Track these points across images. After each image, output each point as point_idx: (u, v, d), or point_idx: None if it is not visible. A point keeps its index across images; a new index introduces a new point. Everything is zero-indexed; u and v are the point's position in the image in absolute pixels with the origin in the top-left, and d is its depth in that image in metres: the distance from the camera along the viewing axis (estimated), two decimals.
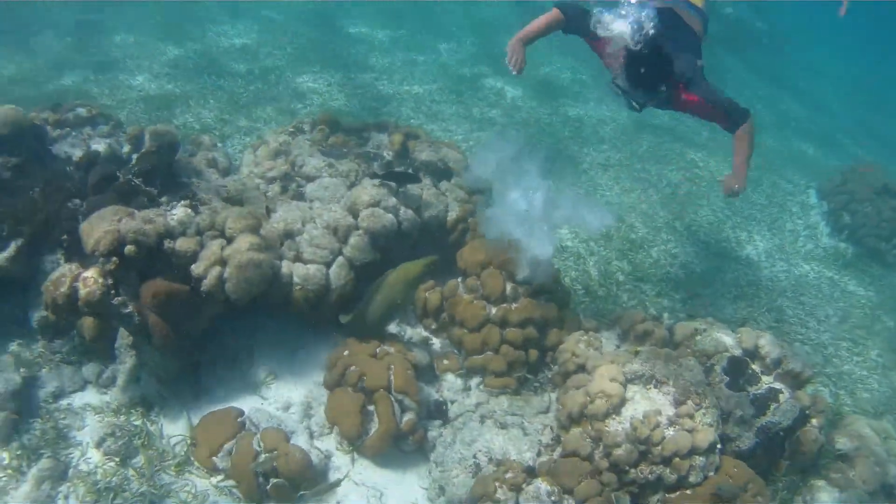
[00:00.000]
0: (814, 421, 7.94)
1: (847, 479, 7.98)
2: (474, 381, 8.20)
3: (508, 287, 8.42)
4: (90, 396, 7.72)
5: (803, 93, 25.27)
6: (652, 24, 7.85)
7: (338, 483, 6.99)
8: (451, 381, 8.17)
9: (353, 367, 7.44)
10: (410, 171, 9.56)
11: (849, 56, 33.05)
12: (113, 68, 15.72)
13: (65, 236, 7.91)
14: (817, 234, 14.56)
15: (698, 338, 8.35)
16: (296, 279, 7.90)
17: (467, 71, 18.97)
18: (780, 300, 11.93)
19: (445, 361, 8.25)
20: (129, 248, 7.28)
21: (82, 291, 7.30)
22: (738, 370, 7.91)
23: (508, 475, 6.87)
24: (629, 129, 17.02)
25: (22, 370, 7.59)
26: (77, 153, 9.25)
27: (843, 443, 8.31)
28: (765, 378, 8.03)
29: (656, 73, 7.99)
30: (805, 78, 27.24)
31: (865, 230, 14.29)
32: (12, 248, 8.01)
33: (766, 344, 8.24)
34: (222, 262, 7.52)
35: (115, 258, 7.32)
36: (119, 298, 7.35)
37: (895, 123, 25.17)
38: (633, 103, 8.41)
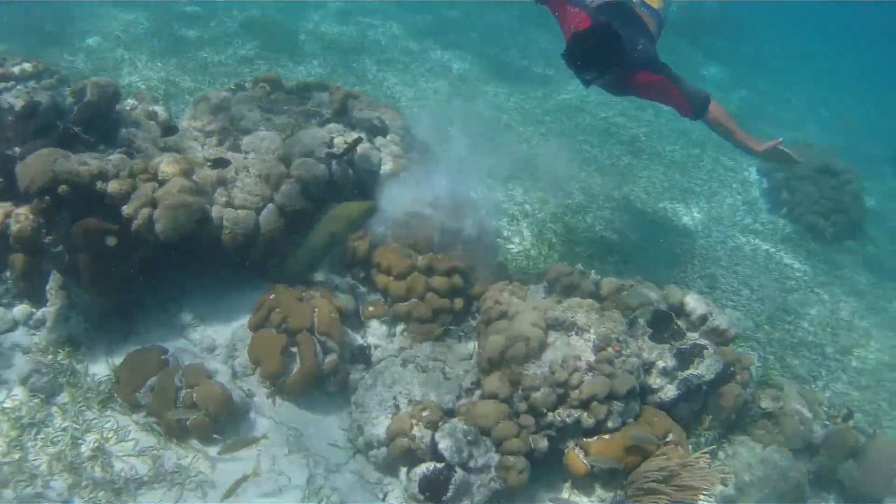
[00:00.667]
0: (738, 377, 8.07)
1: (770, 436, 8.16)
2: (399, 327, 8.26)
3: (437, 235, 8.54)
4: (19, 337, 7.74)
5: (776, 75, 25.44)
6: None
7: (255, 440, 7.03)
8: (375, 327, 8.23)
9: (277, 309, 7.49)
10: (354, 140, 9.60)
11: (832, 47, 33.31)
12: (64, 31, 15.72)
13: (1, 179, 7.94)
14: (756, 209, 14.74)
15: (624, 293, 8.43)
16: (225, 223, 7.95)
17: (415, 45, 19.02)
18: (714, 268, 12.10)
19: (371, 308, 8.31)
20: (62, 188, 7.36)
21: (14, 227, 7.38)
22: (661, 323, 8.05)
23: (425, 413, 6.94)
24: (574, 105, 17.13)
25: None
26: (19, 103, 9.28)
27: (768, 403, 8.46)
28: (690, 335, 8.14)
29: (606, 53, 8.03)
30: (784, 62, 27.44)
31: (804, 207, 14.50)
32: None
33: (692, 301, 8.39)
34: (153, 204, 7.57)
35: (47, 197, 7.38)
36: (50, 237, 7.42)
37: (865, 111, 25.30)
38: (584, 78, 8.40)
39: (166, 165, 7.88)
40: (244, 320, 7.99)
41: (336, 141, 9.09)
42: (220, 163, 8.48)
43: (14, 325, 7.84)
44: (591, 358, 7.20)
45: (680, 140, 16.54)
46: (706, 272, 11.90)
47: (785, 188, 14.92)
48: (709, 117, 8.44)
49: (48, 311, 7.78)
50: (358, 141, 9.10)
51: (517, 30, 21.93)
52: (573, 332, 7.46)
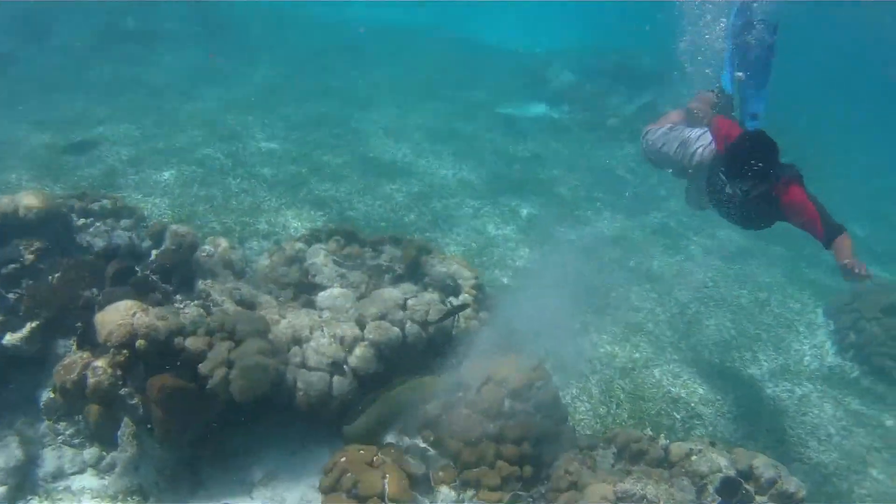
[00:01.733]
0: None
1: None
2: (468, 493, 8.28)
3: (507, 403, 8.58)
4: (89, 480, 7.98)
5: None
6: None
7: None
8: (445, 493, 8.25)
9: (348, 474, 7.56)
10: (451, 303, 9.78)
11: None
12: (142, 163, 16.22)
13: (79, 323, 8.20)
14: (823, 353, 14.56)
15: (693, 458, 8.46)
16: (300, 385, 8.12)
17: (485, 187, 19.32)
18: (781, 420, 11.97)
19: (441, 473, 8.36)
20: (140, 343, 7.57)
21: (91, 380, 7.59)
22: (730, 490, 8.02)
23: None
24: (641, 244, 17.24)
25: (25, 447, 7.84)
26: (99, 244, 9.57)
27: None
28: (759, 498, 8.13)
29: (764, 158, 8.03)
30: None
31: (871, 348, 14.28)
32: (27, 328, 8.39)
33: (761, 465, 8.37)
34: (229, 364, 7.74)
35: (125, 350, 7.59)
36: (126, 389, 7.63)
37: None
38: (732, 197, 8.43)
39: (243, 325, 8.08)
40: (314, 479, 8.05)
41: (410, 303, 9.25)
42: None
43: (84, 468, 8.07)
44: None
45: (747, 284, 16.50)
46: (774, 425, 11.78)
47: (852, 329, 14.77)
48: (835, 246, 8.15)
49: (119, 457, 7.96)
50: (462, 308, 9.26)
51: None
52: None
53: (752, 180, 8.07)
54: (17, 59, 23.06)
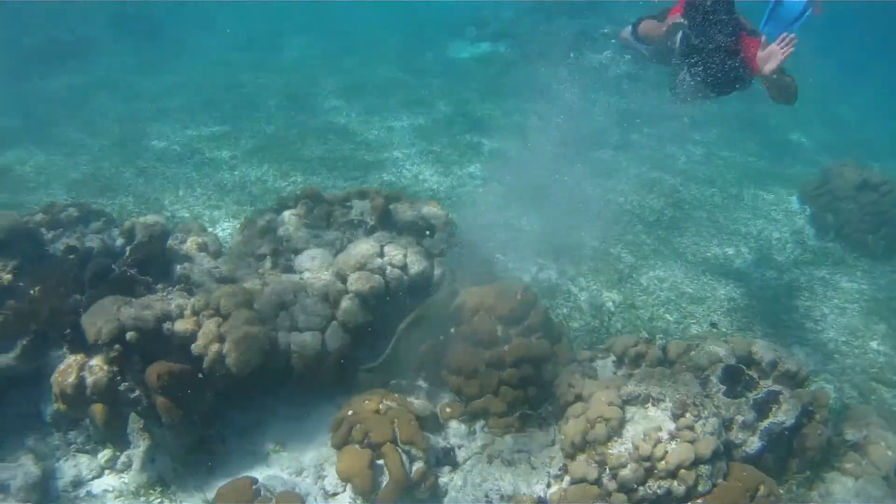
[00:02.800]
0: (817, 416, 8.08)
1: (860, 467, 8.07)
2: (478, 424, 8.33)
3: (499, 329, 8.61)
4: (108, 481, 7.95)
5: None
6: None
7: None
8: (455, 428, 8.30)
9: (358, 425, 7.57)
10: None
11: None
12: (101, 166, 16.11)
13: (68, 330, 8.15)
14: (804, 238, 14.72)
15: (692, 353, 8.51)
16: (293, 347, 8.12)
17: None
18: (774, 307, 12.07)
19: (448, 409, 8.40)
20: (130, 335, 7.56)
21: (89, 379, 7.59)
22: (733, 378, 8.07)
23: None
24: (611, 164, 17.26)
25: (40, 463, 7.81)
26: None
27: (852, 433, 8.41)
28: (763, 382, 8.17)
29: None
30: None
31: (851, 227, 14.46)
32: (18, 346, 8.30)
33: (759, 349, 8.40)
34: (220, 339, 7.75)
35: (117, 345, 7.58)
36: (126, 384, 7.63)
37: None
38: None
39: (227, 299, 8.06)
40: (325, 438, 8.08)
41: (386, 250, 9.25)
42: None
43: (101, 471, 8.04)
44: (672, 426, 7.23)
45: (717, 181, 16.60)
46: (767, 313, 11.86)
47: (829, 211, 14.87)
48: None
49: (133, 453, 7.95)
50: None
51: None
52: (649, 404, 7.50)
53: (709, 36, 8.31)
54: None
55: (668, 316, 11.39)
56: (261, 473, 7.84)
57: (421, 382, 8.89)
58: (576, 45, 24.43)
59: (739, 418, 7.71)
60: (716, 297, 12.07)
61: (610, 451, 7.18)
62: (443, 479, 7.77)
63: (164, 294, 8.55)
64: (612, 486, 7.08)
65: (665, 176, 16.72)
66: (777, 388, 8.06)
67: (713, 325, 11.14)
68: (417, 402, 8.22)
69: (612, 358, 8.82)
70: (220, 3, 34.16)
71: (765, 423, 7.79)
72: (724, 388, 7.96)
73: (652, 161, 17.56)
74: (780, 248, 14.22)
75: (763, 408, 7.86)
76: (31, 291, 8.62)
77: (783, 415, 7.79)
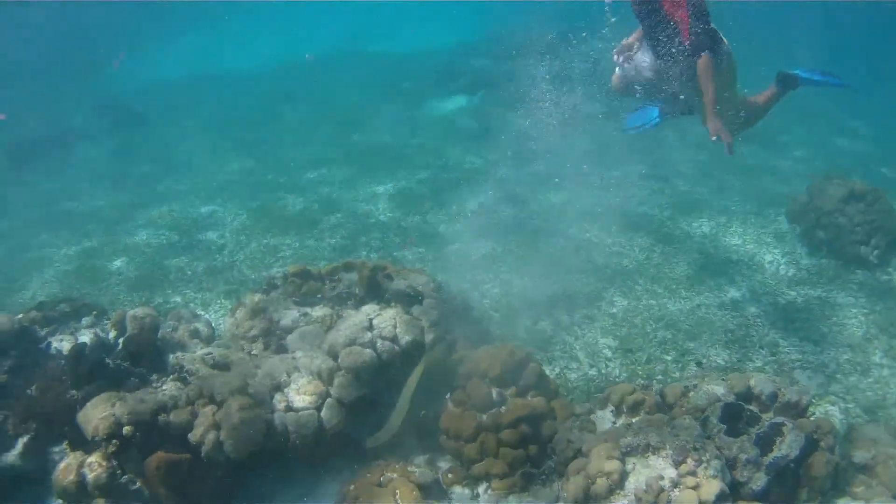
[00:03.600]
0: (822, 443, 8.05)
1: (870, 490, 8.03)
2: (481, 487, 8.33)
3: (494, 392, 8.66)
4: None
5: None
6: None
7: None
8: (459, 493, 8.30)
9: (359, 500, 7.59)
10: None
11: None
12: (91, 256, 16.22)
13: (66, 427, 8.22)
14: (796, 257, 14.64)
15: (690, 394, 8.51)
16: (290, 427, 8.17)
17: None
18: (771, 333, 12.02)
19: (450, 475, 8.41)
20: (126, 429, 7.70)
21: (90, 476, 7.72)
22: (734, 415, 8.06)
23: None
24: (595, 204, 17.29)
25: None
26: (67, 347, 9.61)
27: (860, 455, 8.38)
28: (765, 416, 8.17)
29: None
30: None
31: (842, 240, 14.38)
32: (20, 445, 8.45)
33: (758, 383, 8.43)
34: (217, 426, 7.85)
35: (115, 440, 7.67)
36: (125, 476, 7.69)
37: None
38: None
39: (221, 386, 8.24)
40: None
41: (375, 322, 9.30)
42: None
43: None
44: (673, 473, 7.23)
45: (705, 211, 16.62)
46: (765, 340, 11.83)
47: (818, 227, 14.83)
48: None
49: None
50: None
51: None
52: (650, 453, 7.49)
53: None
54: None
55: (665, 356, 11.36)
56: None
57: (421, 453, 8.91)
58: (552, 88, 24.68)
59: (743, 456, 7.67)
60: (713, 331, 12.04)
61: None
62: None
63: (159, 385, 8.62)
64: None
65: (652, 211, 16.73)
66: (779, 419, 8.03)
67: (698, 363, 11.12)
68: (418, 471, 8.23)
69: (611, 408, 8.80)
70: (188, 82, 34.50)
71: (769, 458, 7.74)
72: (724, 427, 7.93)
73: (638, 198, 17.57)
74: (774, 270, 14.16)
75: (767, 442, 7.82)
76: (29, 390, 8.71)
77: (787, 447, 7.76)
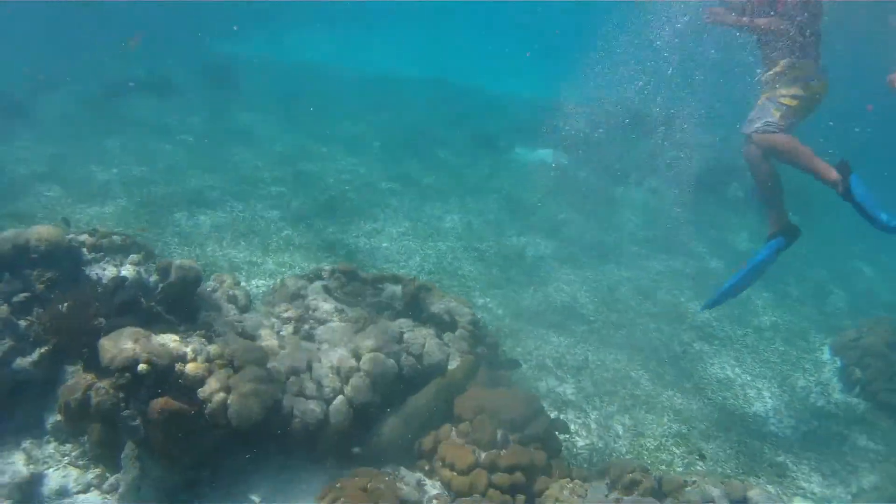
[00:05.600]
0: None
1: None
2: None
3: (499, 434, 8.73)
4: (92, 499, 8.18)
5: None
6: None
7: None
8: None
9: (342, 499, 7.69)
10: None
11: None
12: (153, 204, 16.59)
13: (85, 349, 8.42)
14: (829, 390, 14.53)
15: (687, 489, 8.53)
16: (296, 412, 8.32)
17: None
18: (783, 456, 11.96)
19: (434, 502, 8.46)
20: (142, 367, 7.81)
21: (94, 399, 7.85)
22: None
23: None
24: (643, 289, 17.40)
25: (30, 466, 8.05)
26: (107, 276, 9.83)
27: None
28: None
29: None
30: None
31: (877, 385, 14.21)
32: (37, 353, 8.74)
33: (755, 495, 8.42)
34: (227, 389, 8.01)
35: (128, 373, 7.83)
36: (128, 411, 7.84)
37: None
38: None
39: (242, 353, 8.39)
40: None
41: (406, 337, 9.43)
42: None
43: (88, 488, 8.29)
44: None
45: (752, 324, 16.60)
46: (776, 460, 11.78)
47: (857, 366, 14.73)
48: None
49: (122, 478, 8.18)
50: None
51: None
52: None
53: None
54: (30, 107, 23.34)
55: (675, 448, 11.36)
56: None
57: (415, 472, 8.98)
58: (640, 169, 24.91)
59: None
60: (727, 438, 12.02)
61: None
62: None
63: (185, 336, 8.79)
64: None
65: (700, 309, 16.74)
66: None
67: (701, 455, 11.15)
68: (406, 489, 8.32)
69: (607, 481, 8.82)
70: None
71: None
72: None
73: (693, 290, 17.61)
74: (804, 397, 14.09)
75: None
76: (60, 306, 8.94)
77: None
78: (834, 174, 10.01)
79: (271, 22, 47.14)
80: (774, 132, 10.42)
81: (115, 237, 10.81)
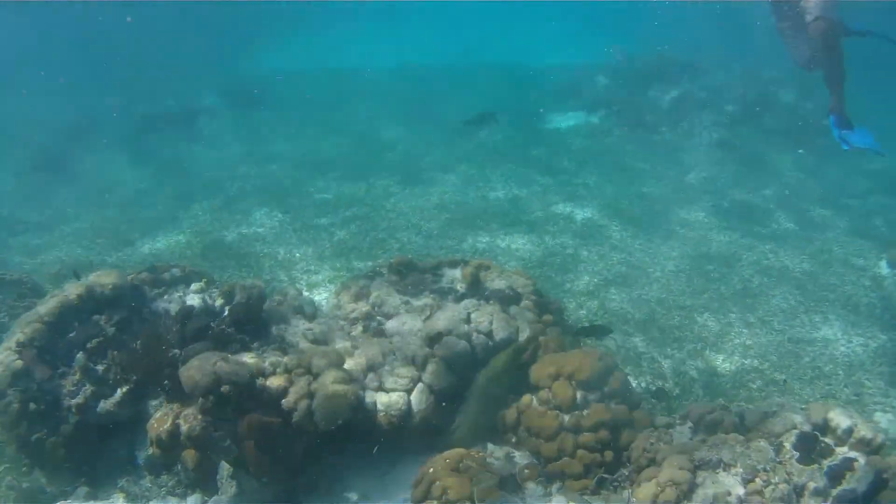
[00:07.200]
0: (892, 483, 8.13)
1: None
2: (555, 486, 8.57)
3: (578, 395, 8.93)
4: None
5: None
6: None
7: None
8: (532, 489, 8.52)
9: (437, 482, 7.91)
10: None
11: None
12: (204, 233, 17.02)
13: (166, 381, 8.73)
14: (892, 303, 14.60)
15: (768, 420, 8.65)
16: (379, 406, 8.59)
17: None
18: (858, 374, 12.05)
19: (526, 471, 8.65)
20: (224, 388, 8.14)
21: (184, 427, 8.21)
22: (807, 444, 8.15)
23: None
24: (702, 231, 17.51)
25: (130, 502, 8.44)
26: (174, 308, 10.13)
27: None
28: (839, 449, 8.27)
29: None
30: None
31: None
32: (118, 394, 9.09)
33: (836, 416, 8.47)
34: (310, 396, 8.31)
35: (212, 397, 8.13)
36: (218, 433, 8.14)
37: None
38: None
39: (319, 359, 8.70)
40: (405, 494, 8.49)
41: (473, 316, 9.65)
42: None
43: None
44: (741, 491, 7.43)
45: (807, 248, 16.62)
46: (851, 380, 11.88)
47: None
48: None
49: (220, 499, 8.50)
50: None
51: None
52: (720, 469, 7.71)
53: None
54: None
55: (751, 384, 11.50)
56: None
57: (502, 446, 9.23)
58: (671, 115, 24.94)
59: (812, 485, 7.78)
60: (800, 365, 12.15)
61: None
62: None
63: (260, 352, 9.08)
64: None
65: (755, 242, 16.83)
66: (853, 454, 8.13)
67: (784, 381, 11.29)
68: (497, 463, 8.53)
69: (689, 424, 8.97)
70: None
71: (837, 490, 7.86)
72: (797, 454, 8.06)
73: (741, 230, 17.74)
74: (868, 313, 14.15)
75: (836, 475, 7.90)
76: (134, 344, 9.24)
77: (856, 482, 7.84)
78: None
79: (302, 27, 47.49)
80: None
81: (174, 270, 11.14)
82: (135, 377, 9.18)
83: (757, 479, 7.50)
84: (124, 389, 9.20)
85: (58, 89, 29.47)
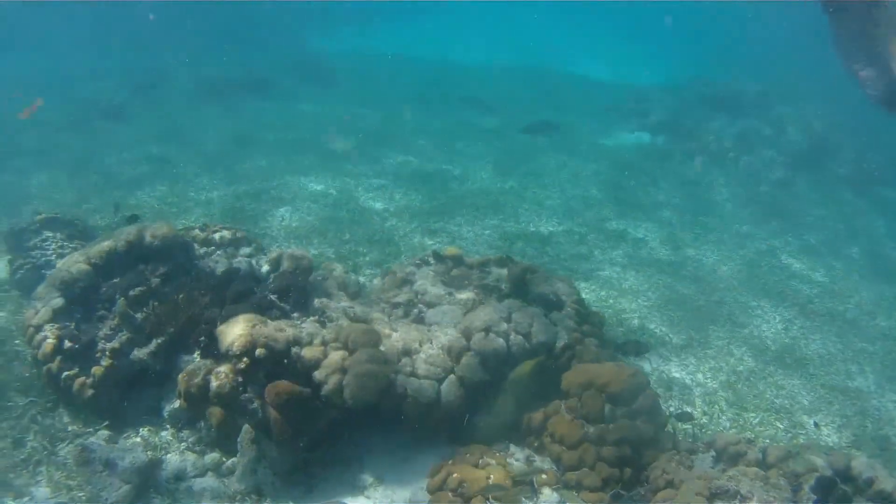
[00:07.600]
0: None
1: None
2: (570, 494, 8.58)
3: (607, 408, 8.96)
4: (209, 482, 8.65)
5: None
6: None
7: None
8: (547, 494, 8.59)
9: (455, 474, 8.01)
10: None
11: None
12: (260, 198, 17.07)
13: (202, 338, 8.86)
14: None
15: (790, 459, 8.67)
16: (409, 392, 8.66)
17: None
18: (886, 429, 12.01)
19: (544, 476, 8.73)
20: (259, 351, 8.30)
21: (214, 383, 8.36)
22: (826, 489, 8.19)
23: None
24: (749, 266, 17.46)
25: (149, 452, 8.53)
26: (220, 268, 10.27)
27: None
28: (857, 498, 8.28)
29: None
30: None
31: None
32: (153, 344, 9.22)
33: (858, 465, 8.50)
34: (343, 371, 8.39)
35: (246, 358, 8.26)
36: (246, 394, 8.28)
37: None
38: None
39: (356, 336, 8.75)
40: (422, 482, 8.57)
41: (514, 317, 9.72)
42: None
43: (205, 472, 8.74)
44: None
45: (852, 299, 16.53)
46: (878, 433, 11.83)
47: None
48: None
49: (238, 461, 8.63)
50: None
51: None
52: (737, 501, 7.73)
53: None
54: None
55: (777, 423, 11.47)
56: (353, 502, 8.40)
57: (524, 448, 9.30)
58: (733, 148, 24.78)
59: None
60: (829, 412, 12.10)
61: None
62: None
63: (299, 322, 9.18)
64: None
65: (802, 286, 16.75)
66: None
67: (816, 425, 11.27)
68: (516, 464, 8.62)
69: (712, 453, 9.01)
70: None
71: None
72: (815, 497, 8.08)
73: (789, 272, 17.65)
74: None
75: None
76: (175, 298, 9.39)
77: None
78: None
79: (362, 18, 47.92)
80: None
81: (224, 232, 11.28)
82: (171, 329, 9.32)
83: None
84: (159, 340, 9.33)
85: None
